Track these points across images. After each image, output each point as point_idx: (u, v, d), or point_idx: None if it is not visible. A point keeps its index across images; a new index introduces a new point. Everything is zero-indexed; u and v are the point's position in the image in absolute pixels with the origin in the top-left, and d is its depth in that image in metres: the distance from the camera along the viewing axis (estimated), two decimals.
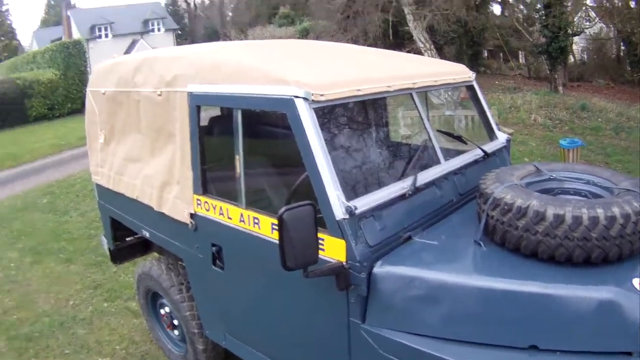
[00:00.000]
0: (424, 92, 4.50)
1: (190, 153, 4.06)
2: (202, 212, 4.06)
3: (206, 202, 4.00)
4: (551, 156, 13.21)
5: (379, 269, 3.11)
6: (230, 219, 3.81)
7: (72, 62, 31.10)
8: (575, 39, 28.18)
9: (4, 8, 72.01)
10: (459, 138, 4.64)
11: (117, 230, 5.88)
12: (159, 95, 4.27)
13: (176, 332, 5.38)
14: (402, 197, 3.49)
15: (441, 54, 25.76)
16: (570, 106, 18.73)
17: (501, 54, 33.72)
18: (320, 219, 3.09)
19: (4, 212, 11.87)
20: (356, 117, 4.21)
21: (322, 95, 3.20)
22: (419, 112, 4.06)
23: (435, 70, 4.53)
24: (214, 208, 3.94)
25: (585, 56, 33.24)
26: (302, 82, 3.22)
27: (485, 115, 4.99)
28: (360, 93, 3.48)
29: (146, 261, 5.51)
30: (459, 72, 4.79)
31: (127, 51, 42.20)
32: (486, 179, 3.59)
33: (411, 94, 4.02)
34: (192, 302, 4.82)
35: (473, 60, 29.80)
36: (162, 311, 5.48)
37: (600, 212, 2.95)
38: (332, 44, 5.86)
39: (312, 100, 3.18)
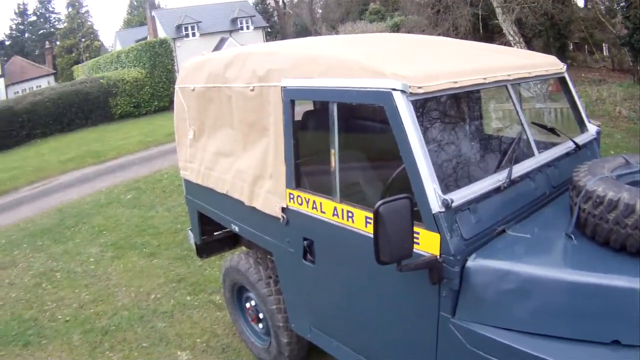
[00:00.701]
0: (518, 85, 4.45)
1: (283, 147, 4.09)
2: (294, 206, 4.09)
3: (299, 196, 4.03)
4: (636, 148, 12.87)
5: (473, 262, 3.10)
6: (323, 212, 3.83)
7: (158, 60, 31.72)
8: None
9: (83, 9, 74.11)
10: (552, 130, 4.58)
11: (205, 225, 5.99)
12: (252, 90, 4.32)
13: (260, 325, 5.44)
14: (497, 189, 3.47)
15: (529, 46, 25.45)
16: None
17: (586, 47, 33.09)
18: (415, 213, 3.07)
19: (85, 209, 12.18)
20: (452, 109, 4.19)
21: (420, 87, 3.19)
22: (513, 104, 4.03)
23: (529, 62, 4.49)
24: (307, 202, 3.97)
25: None
26: (400, 75, 3.21)
27: (577, 107, 4.95)
28: (457, 85, 3.46)
29: (234, 255, 5.59)
30: (551, 64, 4.75)
31: (216, 49, 42.64)
32: (579, 172, 3.54)
33: (506, 86, 4.00)
34: (279, 296, 4.87)
35: (560, 53, 29.25)
36: (247, 305, 5.54)
37: None
38: (426, 37, 5.84)
39: (410, 93, 3.16)
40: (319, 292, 4.30)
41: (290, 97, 3.96)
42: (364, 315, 3.92)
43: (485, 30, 24.78)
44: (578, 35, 31.60)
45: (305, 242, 4.10)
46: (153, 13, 53.85)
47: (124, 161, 17.45)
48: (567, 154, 4.36)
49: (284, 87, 3.98)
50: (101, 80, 28.99)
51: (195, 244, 6.25)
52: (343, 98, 3.65)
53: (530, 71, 4.31)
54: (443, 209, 3.05)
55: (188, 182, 5.99)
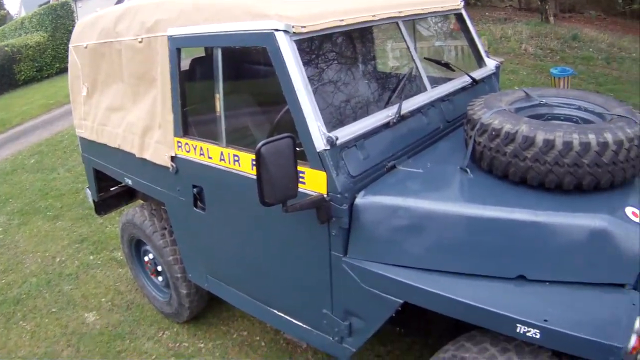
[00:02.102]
0: (412, 23, 4.48)
1: (170, 96, 4.07)
2: (182, 154, 4.09)
3: (187, 143, 4.03)
4: (542, 84, 13.15)
5: (361, 199, 3.09)
6: (210, 158, 3.83)
7: (60, 23, 30.73)
8: None
9: None
10: (446, 65, 4.63)
11: (102, 181, 5.94)
12: (140, 42, 4.27)
13: (160, 278, 5.46)
14: (386, 125, 3.48)
15: None
16: (562, 36, 18.57)
17: None
18: (301, 152, 3.09)
19: None
20: (341, 48, 4.15)
21: (303, 27, 3.18)
22: (405, 40, 4.04)
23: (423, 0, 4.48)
24: (195, 149, 3.97)
25: None
26: (283, 16, 3.18)
27: (474, 43, 5.00)
28: (344, 23, 3.45)
29: (130, 209, 5.57)
30: (447, 1, 4.75)
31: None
32: (474, 105, 3.53)
33: (397, 23, 4.00)
34: (175, 247, 4.89)
35: None
36: (145, 258, 5.54)
37: (592, 137, 2.89)
38: None
39: (293, 33, 3.15)
40: (212, 239, 4.32)
41: (176, 46, 3.93)
42: (256, 259, 3.95)
43: None
44: None
45: (194, 189, 4.10)
46: None
47: (27, 126, 16.87)
48: (463, 89, 4.40)
49: (170, 36, 3.94)
50: (6, 48, 27.94)
51: (94, 201, 6.18)
52: (226, 42, 3.61)
53: (424, 7, 4.33)
54: (328, 147, 3.04)
55: (83, 140, 5.90)
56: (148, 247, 5.39)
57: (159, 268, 5.33)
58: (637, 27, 20.78)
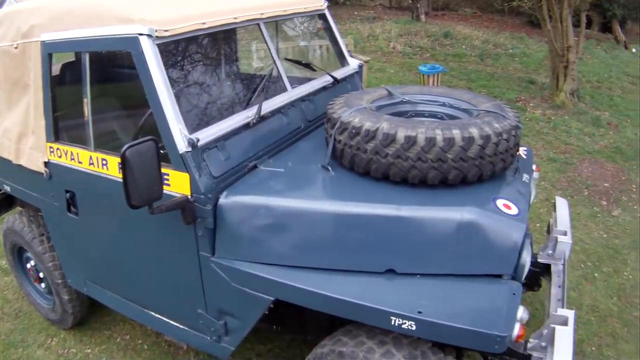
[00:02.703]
0: (275, 24, 4.57)
1: (42, 101, 4.07)
2: (55, 159, 4.09)
3: (58, 148, 4.03)
4: (410, 82, 13.33)
5: (224, 199, 3.16)
6: (80, 163, 3.84)
7: None
8: None
9: None
10: (307, 65, 4.75)
11: None
12: (15, 48, 4.25)
13: (43, 285, 5.40)
14: (246, 126, 3.55)
15: None
16: (433, 34, 18.83)
17: None
18: (166, 155, 3.16)
19: None
20: (205, 50, 4.21)
21: (166, 31, 3.23)
22: (265, 42, 4.11)
23: (286, 1, 4.57)
24: (66, 154, 3.97)
25: None
26: (147, 20, 3.22)
27: (337, 42, 5.12)
28: (206, 26, 3.51)
29: (10, 216, 5.49)
30: (310, 2, 4.84)
31: None
32: (334, 104, 3.62)
33: (258, 25, 4.08)
34: (54, 252, 4.86)
35: None
36: (28, 265, 5.48)
37: (456, 133, 2.97)
38: None
39: (156, 37, 3.19)
40: (87, 244, 4.32)
41: (48, 51, 3.93)
42: (130, 262, 3.99)
43: None
44: None
45: (67, 194, 4.10)
46: None
47: None
48: (324, 88, 4.51)
49: (43, 41, 3.94)
50: None
51: None
52: (95, 47, 3.64)
53: (286, 9, 4.43)
54: (190, 149, 3.11)
55: None
56: (29, 254, 5.33)
57: (41, 275, 5.29)
58: (515, 25, 21.53)
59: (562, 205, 4.21)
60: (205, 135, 3.25)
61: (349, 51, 5.20)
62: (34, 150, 4.29)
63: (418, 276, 2.81)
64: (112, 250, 4.11)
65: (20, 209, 5.57)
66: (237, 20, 3.83)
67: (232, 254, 3.20)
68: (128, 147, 2.78)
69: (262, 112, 3.68)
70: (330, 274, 2.92)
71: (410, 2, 23.58)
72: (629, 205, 7.72)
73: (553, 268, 3.65)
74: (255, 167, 3.50)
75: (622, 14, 21.63)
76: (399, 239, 2.84)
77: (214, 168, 3.23)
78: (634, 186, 8.31)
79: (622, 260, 6.29)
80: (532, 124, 10.76)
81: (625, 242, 6.66)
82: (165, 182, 3.21)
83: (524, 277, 2.86)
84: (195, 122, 3.50)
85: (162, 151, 3.07)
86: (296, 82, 4.44)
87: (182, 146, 3.12)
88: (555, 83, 12.20)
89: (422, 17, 22.01)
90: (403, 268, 2.83)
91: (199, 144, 3.15)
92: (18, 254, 5.61)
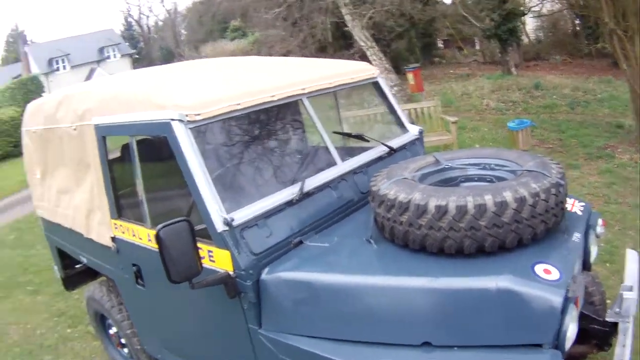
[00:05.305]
0: (331, 95, 4.63)
1: (103, 180, 4.26)
2: (120, 234, 4.27)
3: (121, 225, 4.21)
4: (503, 139, 13.16)
5: (266, 275, 3.22)
6: (140, 239, 4.00)
7: (31, 97, 30.48)
8: (528, 19, 28.11)
9: None
10: (357, 136, 4.64)
11: (65, 258, 6.10)
12: (74, 129, 4.48)
13: (125, 350, 5.60)
14: (289, 203, 3.58)
15: (389, 49, 25.57)
16: (524, 86, 18.51)
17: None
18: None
19: None
20: (243, 129, 4.16)
21: (197, 114, 3.32)
22: (310, 117, 4.11)
23: (331, 72, 4.52)
24: (128, 230, 4.14)
25: (542, 35, 33.09)
26: (179, 105, 3.34)
27: (394, 110, 5.02)
28: (241, 107, 3.58)
29: (91, 285, 5.77)
30: (360, 71, 4.78)
31: (87, 80, 42.07)
32: (377, 176, 3.57)
33: (301, 100, 4.08)
34: (131, 320, 5.06)
35: (426, 52, 29.66)
36: (111, 331, 5.71)
37: (488, 198, 2.85)
38: (236, 59, 5.89)
39: (188, 121, 3.30)
40: (155, 312, 4.48)
41: (102, 134, 4.12)
42: (193, 331, 4.12)
43: (344, 38, 24.91)
44: (447, 32, 31.86)
45: (134, 267, 4.26)
46: (25, 49, 52.56)
47: (7, 202, 17.07)
48: (380, 158, 4.42)
49: (96, 124, 4.13)
50: None
51: (61, 277, 6.37)
52: (137, 131, 3.80)
53: (332, 81, 4.37)
54: (227, 228, 3.19)
55: (44, 220, 6.10)
56: (110, 321, 5.54)
57: (123, 340, 5.47)
58: (603, 67, 20.67)
59: (632, 259, 3.86)
60: (244, 214, 3.32)
61: (411, 119, 5.09)
62: (102, 226, 4.50)
63: (455, 348, 2.71)
64: (177, 319, 4.24)
65: (102, 278, 5.81)
66: (275, 99, 3.85)
67: (277, 326, 3.22)
68: (162, 227, 2.91)
69: (308, 188, 3.71)
70: (367, 347, 2.87)
71: (500, 56, 23.49)
72: None
73: (620, 326, 3.33)
74: (300, 242, 3.51)
75: None
76: (434, 311, 2.76)
77: (255, 245, 3.28)
78: None
79: None
80: (620, 171, 10.30)
81: None
82: (211, 258, 3.35)
83: (568, 344, 2.70)
84: (235, 200, 3.51)
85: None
86: (351, 152, 4.43)
87: (219, 225, 3.21)
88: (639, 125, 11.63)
89: (513, 69, 21.95)
90: (439, 340, 2.73)
91: (236, 223, 3.22)
92: (101, 320, 5.85)
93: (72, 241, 5.45)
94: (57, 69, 53.80)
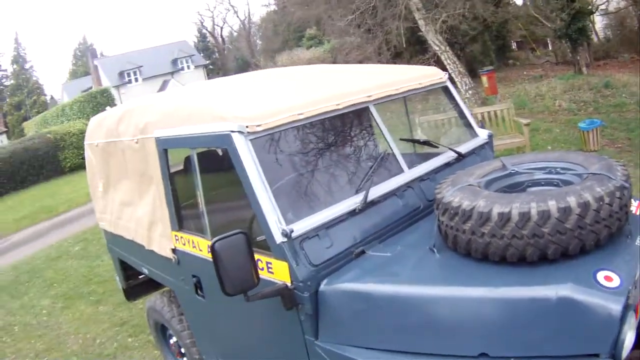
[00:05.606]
0: (402, 101, 4.59)
1: (164, 193, 4.33)
2: (180, 246, 4.32)
3: (182, 237, 4.26)
4: (574, 140, 12.96)
5: (325, 287, 3.18)
6: (201, 250, 4.02)
7: (101, 110, 31.26)
8: (597, 17, 27.79)
9: (27, 65, 73.60)
10: (425, 143, 4.60)
11: (127, 269, 6.24)
12: (136, 142, 4.56)
13: (184, 359, 5.66)
14: (352, 213, 3.52)
15: (464, 53, 25.62)
16: (594, 86, 18.16)
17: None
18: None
19: (37, 263, 12.45)
20: (306, 139, 4.11)
21: (258, 126, 3.30)
22: (377, 124, 4.04)
23: (398, 78, 4.46)
24: (189, 242, 4.19)
25: (610, 33, 32.59)
26: (239, 117, 3.33)
27: (463, 114, 4.95)
28: (303, 117, 3.54)
29: (152, 296, 5.88)
30: (428, 76, 4.72)
31: (160, 91, 42.99)
32: (443, 183, 3.49)
33: (368, 107, 4.02)
34: (190, 331, 5.12)
35: (500, 54, 29.39)
36: (171, 341, 5.80)
37: (552, 204, 2.75)
38: (300, 68, 5.86)
39: (248, 132, 3.28)
40: (214, 323, 4.52)
41: (163, 147, 4.18)
42: (250, 341, 4.14)
43: (419, 43, 24.84)
44: (520, 34, 31.69)
45: (194, 278, 4.29)
46: (95, 62, 53.96)
47: (74, 214, 17.55)
48: (448, 164, 4.34)
49: (157, 137, 4.19)
50: (48, 135, 28.86)
51: (122, 288, 6.51)
52: (197, 144, 3.84)
53: (398, 87, 4.31)
54: (285, 239, 3.15)
55: (106, 232, 6.25)
56: (170, 331, 5.62)
57: (182, 350, 5.54)
58: None
59: None
60: (304, 225, 3.29)
61: (481, 122, 4.97)
62: (163, 238, 4.57)
63: (512, 359, 2.61)
64: (234, 331, 4.27)
65: (163, 289, 5.94)
66: (340, 107, 3.81)
67: (334, 338, 3.18)
68: (217, 240, 2.92)
69: (372, 197, 3.65)
70: (424, 359, 2.82)
71: (571, 55, 23.25)
72: None
73: None
74: (362, 252, 3.45)
75: None
76: (492, 321, 2.69)
77: (314, 256, 3.25)
78: None
79: None
80: None
81: None
82: (269, 269, 3.34)
83: (625, 353, 2.55)
84: (297, 211, 3.49)
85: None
86: (421, 159, 4.37)
87: (278, 237, 3.18)
88: None
89: (584, 69, 21.62)
90: (496, 352, 2.65)
91: (295, 234, 3.19)
92: (161, 330, 5.95)
93: (133, 253, 5.55)
94: (129, 82, 54.81)
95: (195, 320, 4.88)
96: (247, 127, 3.29)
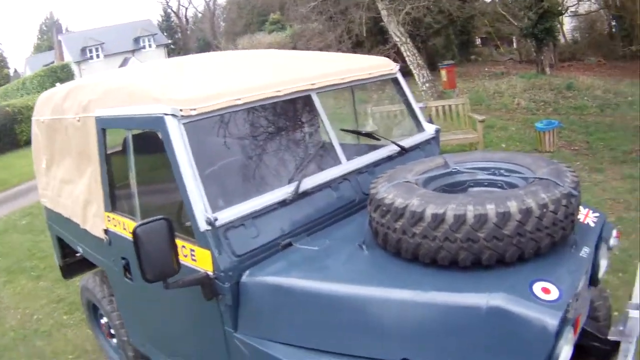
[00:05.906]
0: (349, 90, 4.58)
1: (100, 173, 4.31)
2: (112, 227, 4.31)
3: (114, 218, 4.26)
4: (530, 139, 13.12)
5: (246, 278, 3.13)
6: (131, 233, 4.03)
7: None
8: (566, 19, 28.25)
9: None
10: (367, 135, 4.56)
11: (65, 247, 6.19)
12: (78, 120, 4.54)
13: (114, 340, 5.66)
14: (282, 203, 3.47)
15: (426, 46, 25.92)
16: (556, 87, 18.44)
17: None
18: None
19: None
20: (243, 125, 4.02)
21: (193, 109, 3.24)
22: (318, 113, 4.00)
23: (346, 67, 4.39)
24: (119, 224, 4.19)
25: (579, 35, 32.97)
26: (173, 99, 3.27)
27: (411, 107, 4.87)
28: (241, 102, 3.48)
29: (85, 275, 5.88)
30: (377, 66, 4.66)
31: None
32: (379, 178, 3.38)
33: (310, 95, 3.96)
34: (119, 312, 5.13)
35: (463, 49, 29.78)
36: (102, 321, 5.78)
37: (490, 208, 2.63)
38: (248, 52, 5.84)
39: (182, 116, 3.22)
40: (141, 307, 4.53)
41: (102, 126, 4.15)
42: (173, 328, 4.15)
43: (380, 33, 24.90)
44: (485, 30, 32.02)
45: (123, 260, 4.27)
46: (59, 37, 53.32)
47: (25, 187, 17.25)
48: (390, 158, 4.28)
49: (97, 116, 4.16)
50: (7, 108, 28.42)
51: (60, 265, 6.48)
52: (132, 125, 3.83)
53: (345, 76, 4.26)
54: (209, 227, 3.11)
55: (46, 209, 6.23)
56: (101, 311, 5.60)
57: (112, 331, 5.54)
58: (636, 70, 20.34)
59: None
60: (230, 214, 3.24)
61: (429, 116, 4.92)
62: (97, 218, 4.57)
63: None
64: (158, 316, 4.29)
65: (96, 269, 5.90)
66: (281, 94, 3.75)
67: (252, 331, 3.15)
68: (139, 225, 2.87)
69: (305, 188, 3.60)
70: (344, 359, 2.74)
71: (535, 55, 23.51)
72: None
73: (622, 346, 3.16)
74: (289, 244, 3.40)
75: None
76: (417, 326, 2.59)
77: (238, 246, 3.20)
78: None
79: None
80: None
81: None
82: (192, 257, 3.31)
83: None
84: (227, 199, 3.43)
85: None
86: (361, 150, 4.33)
87: (202, 225, 3.14)
88: None
89: (547, 69, 21.92)
90: (419, 358, 2.55)
91: (220, 222, 3.15)
92: (93, 309, 5.94)
93: (70, 231, 5.53)
94: (91, 58, 54.22)
95: (124, 303, 4.89)
96: (181, 110, 3.24)
